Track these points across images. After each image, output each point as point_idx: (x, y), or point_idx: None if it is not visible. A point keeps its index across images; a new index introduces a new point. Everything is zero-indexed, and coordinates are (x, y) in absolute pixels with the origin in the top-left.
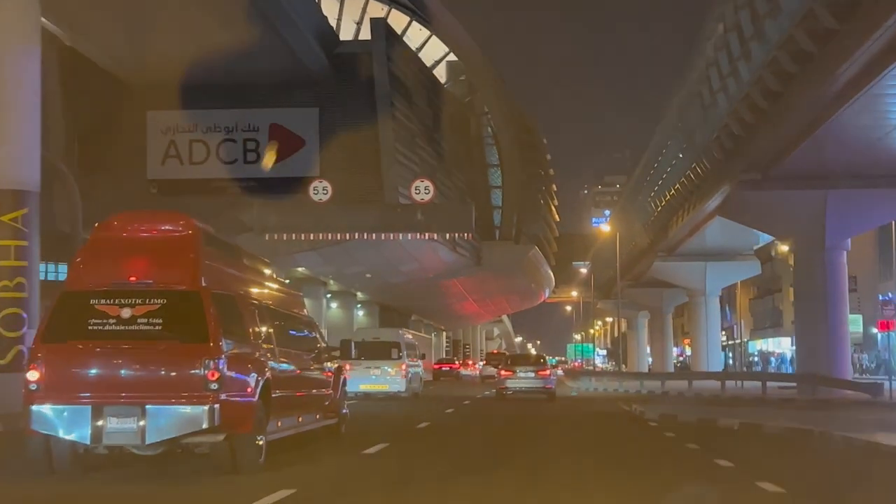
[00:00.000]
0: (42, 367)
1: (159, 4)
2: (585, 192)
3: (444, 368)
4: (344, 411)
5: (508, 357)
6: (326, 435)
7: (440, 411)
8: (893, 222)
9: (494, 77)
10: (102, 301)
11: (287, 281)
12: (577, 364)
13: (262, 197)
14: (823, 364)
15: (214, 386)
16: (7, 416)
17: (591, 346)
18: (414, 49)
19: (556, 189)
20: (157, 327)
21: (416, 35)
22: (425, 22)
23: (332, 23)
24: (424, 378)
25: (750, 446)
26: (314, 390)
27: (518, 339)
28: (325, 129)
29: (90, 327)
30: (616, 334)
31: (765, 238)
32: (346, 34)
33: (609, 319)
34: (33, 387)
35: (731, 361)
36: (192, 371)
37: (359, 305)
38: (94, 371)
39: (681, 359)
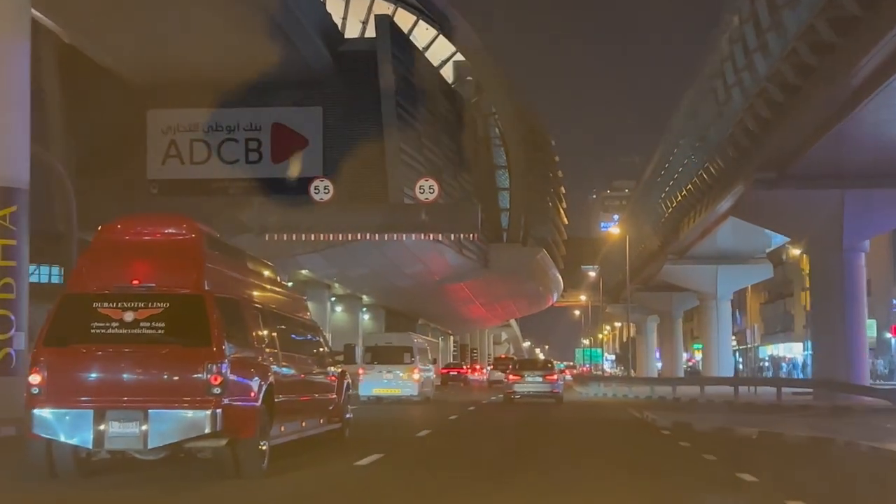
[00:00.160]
0: (44, 370)
1: (161, 2)
2: (594, 196)
3: (451, 373)
4: (348, 416)
5: (516, 362)
6: (330, 440)
7: (463, 410)
8: None
9: (502, 77)
10: (105, 304)
11: (290, 284)
12: (585, 369)
13: (264, 197)
14: (841, 369)
15: (217, 390)
16: None
17: (599, 350)
18: (420, 48)
19: (564, 192)
20: (159, 331)
21: (422, 35)
22: (432, 21)
23: (337, 22)
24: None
25: (772, 458)
26: (318, 395)
27: (526, 344)
28: (329, 128)
29: (93, 331)
30: (625, 339)
31: (777, 241)
32: (351, 34)
33: (618, 324)
34: (35, 390)
35: (741, 367)
36: (195, 375)
37: (364, 309)
38: (96, 375)
39: (691, 363)
